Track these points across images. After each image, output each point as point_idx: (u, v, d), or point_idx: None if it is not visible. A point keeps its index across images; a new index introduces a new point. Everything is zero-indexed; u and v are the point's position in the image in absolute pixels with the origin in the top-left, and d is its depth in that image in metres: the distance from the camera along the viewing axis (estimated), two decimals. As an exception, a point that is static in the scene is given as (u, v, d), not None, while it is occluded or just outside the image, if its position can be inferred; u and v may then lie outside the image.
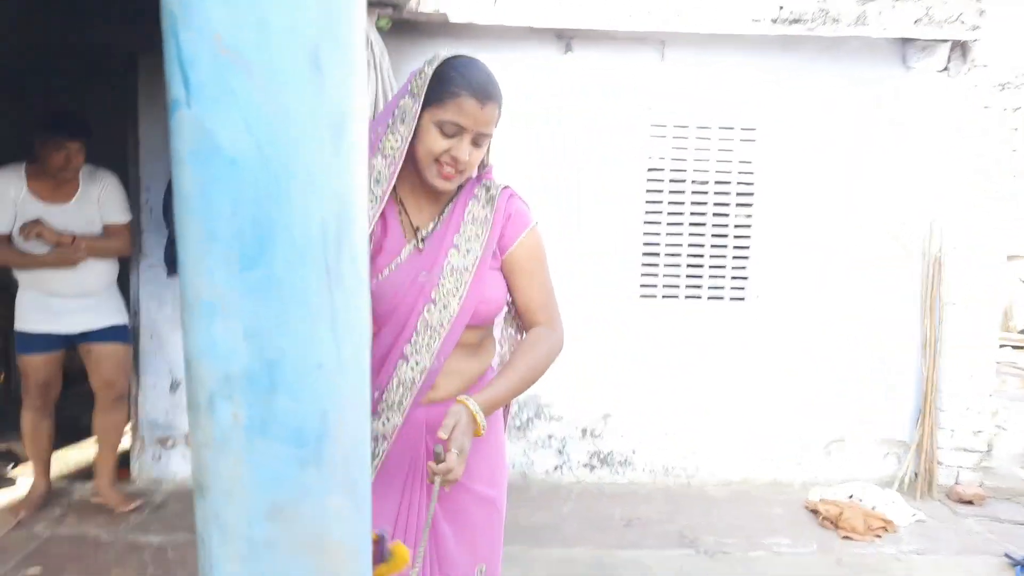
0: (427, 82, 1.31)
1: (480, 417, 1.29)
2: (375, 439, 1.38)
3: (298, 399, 0.50)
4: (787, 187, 3.78)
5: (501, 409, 1.51)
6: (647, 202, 3.76)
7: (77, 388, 5.09)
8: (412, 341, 1.36)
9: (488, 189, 1.46)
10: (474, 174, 1.47)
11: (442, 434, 1.25)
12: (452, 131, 1.31)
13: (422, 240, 1.41)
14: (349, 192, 0.49)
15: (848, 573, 2.97)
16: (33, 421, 3.23)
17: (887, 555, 3.11)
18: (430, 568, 1.41)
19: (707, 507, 3.58)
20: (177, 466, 3.73)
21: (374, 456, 1.38)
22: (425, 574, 1.41)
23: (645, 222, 3.78)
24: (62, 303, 3.11)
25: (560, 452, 3.83)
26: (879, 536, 3.25)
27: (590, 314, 3.76)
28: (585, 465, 3.84)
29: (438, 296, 1.37)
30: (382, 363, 1.38)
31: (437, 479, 1.23)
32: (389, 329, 1.37)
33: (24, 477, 3.61)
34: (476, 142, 1.34)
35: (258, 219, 0.45)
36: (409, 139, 1.34)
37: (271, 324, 0.48)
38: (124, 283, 3.46)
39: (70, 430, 4.28)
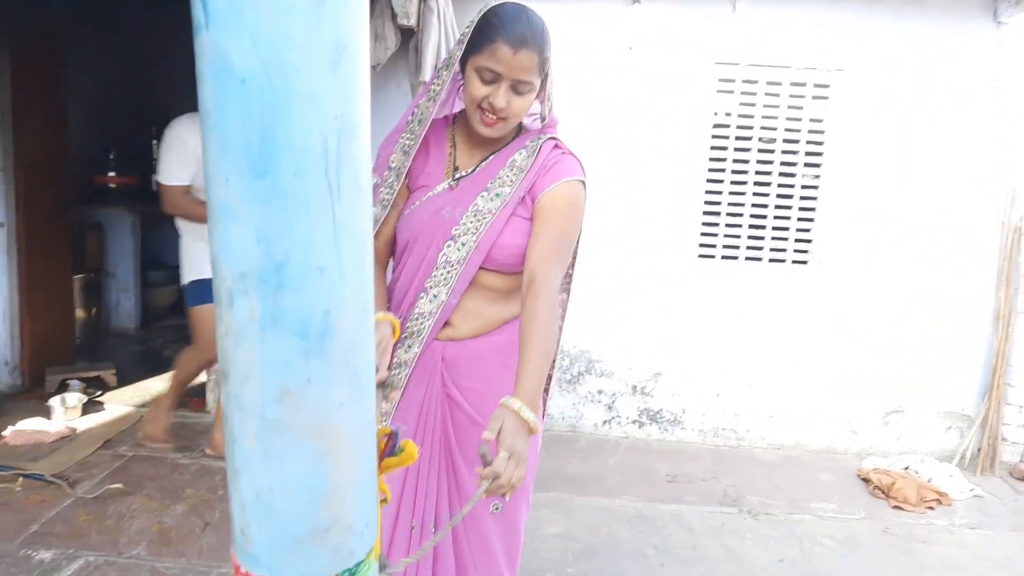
0: (472, 29, 1.36)
1: (526, 413, 1.22)
2: (399, 365, 1.47)
3: (302, 297, 0.56)
4: (860, 147, 3.63)
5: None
6: (711, 159, 3.70)
7: (163, 323, 5.43)
8: (433, 275, 1.43)
9: (539, 140, 1.47)
10: (536, 125, 1.50)
11: (487, 435, 1.17)
12: (489, 77, 1.35)
13: (456, 180, 1.47)
14: (348, 113, 0.55)
15: (895, 541, 2.93)
16: (193, 374, 3.28)
17: (938, 527, 3.06)
18: (447, 496, 1.49)
19: (754, 469, 3.58)
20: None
21: (397, 383, 1.47)
22: (442, 505, 1.48)
23: (708, 180, 3.72)
24: None
25: (609, 407, 3.88)
26: (931, 508, 3.19)
27: (646, 272, 3.76)
28: (634, 421, 3.89)
29: (457, 234, 1.42)
30: (406, 293, 1.46)
31: (483, 483, 1.14)
32: (412, 261, 1.45)
33: (111, 403, 3.92)
34: (516, 89, 1.36)
35: (264, 133, 0.51)
36: (447, 83, 1.40)
37: (278, 229, 0.54)
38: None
39: (156, 361, 4.62)
